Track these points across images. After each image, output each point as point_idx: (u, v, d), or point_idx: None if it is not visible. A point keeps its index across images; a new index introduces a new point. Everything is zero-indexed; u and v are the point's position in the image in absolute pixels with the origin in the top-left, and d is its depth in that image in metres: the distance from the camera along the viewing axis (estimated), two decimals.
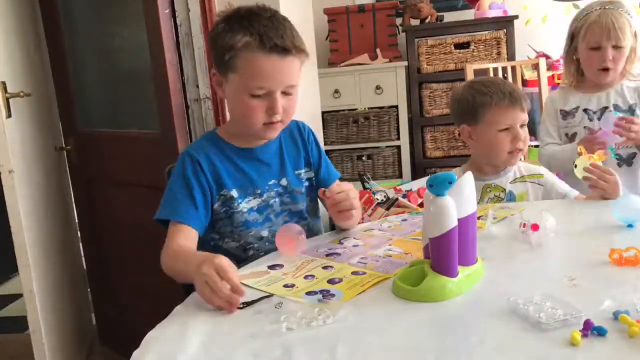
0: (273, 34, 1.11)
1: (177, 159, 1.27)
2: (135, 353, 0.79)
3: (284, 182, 1.28)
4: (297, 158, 1.33)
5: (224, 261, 0.92)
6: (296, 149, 1.33)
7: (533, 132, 3.14)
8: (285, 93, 1.17)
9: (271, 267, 1.07)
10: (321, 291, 0.93)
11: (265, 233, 1.26)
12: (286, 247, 1.13)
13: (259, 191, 1.25)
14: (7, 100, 1.75)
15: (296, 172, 1.31)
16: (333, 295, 0.91)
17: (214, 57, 1.21)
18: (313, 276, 1.00)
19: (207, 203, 1.21)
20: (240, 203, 1.23)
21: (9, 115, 1.76)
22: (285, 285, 0.97)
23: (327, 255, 1.11)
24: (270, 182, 1.27)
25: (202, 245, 1.23)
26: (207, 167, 1.21)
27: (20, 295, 2.32)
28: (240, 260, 1.20)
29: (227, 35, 1.13)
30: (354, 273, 1.00)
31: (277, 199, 1.28)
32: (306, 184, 1.33)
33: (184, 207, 1.18)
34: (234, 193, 1.22)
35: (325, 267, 1.04)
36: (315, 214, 1.37)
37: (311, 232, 1.31)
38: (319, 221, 1.38)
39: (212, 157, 1.23)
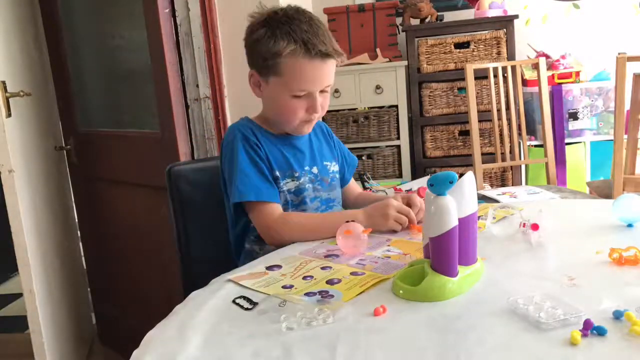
0: (316, 41, 1.21)
1: (229, 133, 1.33)
2: (135, 353, 0.79)
3: (315, 170, 1.38)
4: (324, 150, 1.44)
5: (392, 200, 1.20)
6: (322, 142, 1.45)
7: (533, 132, 3.14)
8: (322, 91, 1.29)
9: (269, 268, 1.07)
10: (320, 292, 0.93)
11: None
12: (350, 247, 1.11)
13: (297, 174, 1.34)
14: (7, 99, 1.76)
15: (324, 162, 1.42)
16: (332, 296, 0.91)
17: (253, 60, 1.28)
18: (312, 277, 1.00)
19: (272, 178, 1.30)
20: (280, 183, 1.32)
21: (9, 115, 1.76)
22: (284, 286, 0.97)
23: (326, 256, 1.11)
24: (306, 168, 1.36)
25: (243, 226, 1.35)
26: (260, 146, 1.30)
27: (20, 295, 2.32)
28: None
29: (271, 42, 1.21)
30: (352, 274, 1.00)
31: (310, 185, 1.37)
32: (332, 175, 1.43)
33: (264, 186, 1.27)
34: (276, 173, 1.31)
35: (323, 268, 1.04)
36: (340, 206, 1.47)
37: None
38: None
39: (260, 138, 1.31)
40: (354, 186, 1.59)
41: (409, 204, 1.25)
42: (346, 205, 1.50)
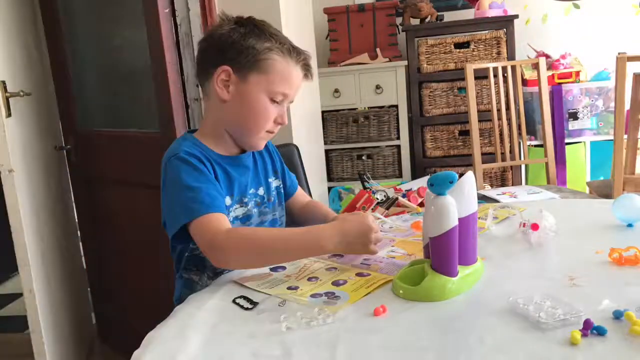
0: (302, 52, 1.18)
1: (166, 166, 1.14)
2: (136, 353, 0.79)
3: (260, 191, 1.26)
4: (268, 166, 1.31)
5: (370, 219, 1.04)
6: (264, 157, 1.31)
7: (533, 132, 3.14)
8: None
9: (273, 269, 1.06)
10: (326, 293, 0.93)
11: None
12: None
13: (245, 199, 1.21)
14: (7, 99, 1.75)
15: (269, 179, 1.30)
16: (338, 297, 0.91)
17: (227, 55, 1.14)
18: (317, 278, 1.00)
19: (220, 189, 1.12)
20: (230, 210, 1.17)
21: (9, 115, 1.76)
22: (289, 288, 0.97)
23: (330, 257, 1.11)
24: (251, 191, 1.23)
25: (179, 254, 1.20)
26: (208, 167, 1.13)
27: (20, 295, 2.32)
28: (218, 269, 1.16)
29: (260, 37, 1.14)
30: (358, 275, 1.00)
31: (256, 210, 1.23)
32: (274, 192, 1.30)
33: (210, 197, 1.07)
34: (227, 201, 1.16)
35: (328, 269, 1.04)
36: (283, 222, 1.35)
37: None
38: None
39: (206, 160, 1.13)
40: (301, 195, 1.41)
41: None
42: (291, 216, 1.36)
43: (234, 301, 0.93)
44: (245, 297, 0.94)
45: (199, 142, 1.18)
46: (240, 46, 1.13)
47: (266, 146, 1.31)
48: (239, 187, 1.19)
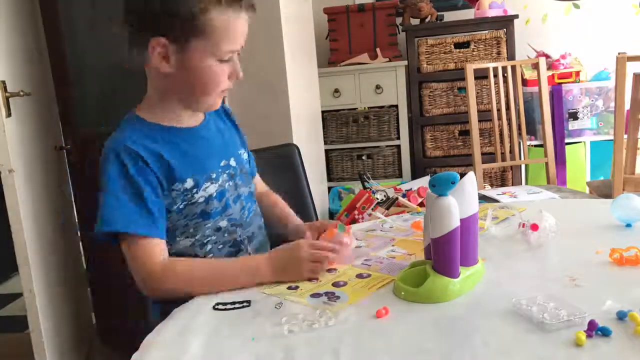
0: None
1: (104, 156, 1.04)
2: (135, 356, 0.79)
3: (232, 162, 1.16)
4: (234, 136, 1.23)
5: (302, 250, 1.00)
6: (229, 126, 1.24)
7: (533, 132, 3.14)
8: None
9: None
10: (326, 293, 0.93)
11: (224, 223, 1.13)
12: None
13: (214, 175, 1.11)
14: (7, 99, 1.75)
15: (238, 151, 1.21)
16: (338, 297, 0.91)
17: (162, 25, 1.02)
18: (317, 278, 1.00)
19: (161, 206, 1.05)
20: (197, 192, 1.08)
21: (9, 115, 1.76)
22: (290, 287, 0.97)
23: None
24: (222, 164, 1.14)
25: None
26: (152, 161, 1.03)
27: (20, 295, 2.32)
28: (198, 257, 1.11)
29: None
30: (358, 275, 0.99)
31: (230, 182, 1.15)
32: (247, 165, 1.23)
33: (141, 216, 1.00)
34: (189, 183, 1.07)
35: (328, 270, 1.03)
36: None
37: (259, 217, 1.23)
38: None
39: (154, 146, 1.05)
40: (259, 181, 1.33)
41: (322, 234, 1.10)
42: None
43: (214, 308, 0.91)
44: (223, 303, 0.92)
45: (144, 122, 1.09)
46: (170, 14, 1.01)
47: (230, 119, 1.25)
48: (198, 162, 1.09)
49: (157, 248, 1.02)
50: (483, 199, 2.11)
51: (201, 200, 1.08)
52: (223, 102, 1.19)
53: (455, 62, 3.14)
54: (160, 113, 1.10)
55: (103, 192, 1.02)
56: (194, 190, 1.08)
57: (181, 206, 1.07)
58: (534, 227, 1.08)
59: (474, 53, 3.13)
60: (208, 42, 1.02)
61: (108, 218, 1.00)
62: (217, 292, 0.97)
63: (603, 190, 2.40)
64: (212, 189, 1.10)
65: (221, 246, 1.13)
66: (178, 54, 1.03)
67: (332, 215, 2.94)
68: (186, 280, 1.00)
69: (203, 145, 1.12)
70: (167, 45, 1.02)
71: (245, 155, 1.23)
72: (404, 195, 2.69)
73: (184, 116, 1.12)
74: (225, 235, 1.13)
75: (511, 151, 2.66)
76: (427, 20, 3.32)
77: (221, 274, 1.01)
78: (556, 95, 3.05)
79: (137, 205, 1.01)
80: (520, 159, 2.83)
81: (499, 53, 3.10)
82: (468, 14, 3.35)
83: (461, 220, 0.88)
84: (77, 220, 2.41)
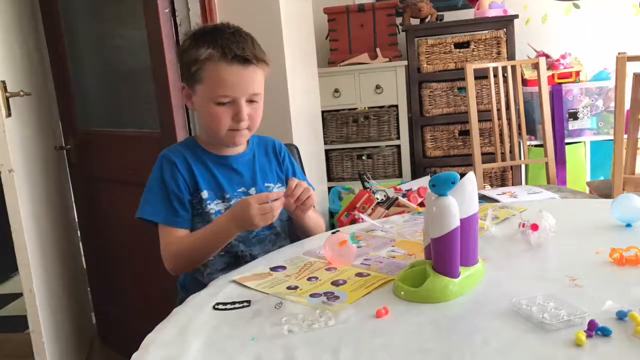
0: (234, 46, 1.19)
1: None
2: (135, 356, 0.79)
3: (252, 191, 1.32)
4: (268, 171, 1.37)
5: (252, 197, 1.14)
6: (268, 163, 1.38)
7: (533, 132, 3.14)
8: (250, 101, 1.24)
9: (273, 269, 1.06)
10: (325, 293, 0.93)
11: None
12: (337, 257, 1.06)
13: (227, 195, 1.29)
14: (7, 99, 1.75)
15: (266, 184, 1.35)
16: (337, 297, 0.91)
17: (182, 72, 1.28)
18: (317, 278, 1.00)
19: (185, 203, 1.27)
20: (209, 204, 1.28)
21: (9, 115, 1.76)
22: (289, 287, 0.97)
23: None
24: (240, 190, 1.31)
25: None
26: (183, 169, 1.27)
27: (20, 295, 2.32)
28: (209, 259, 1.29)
29: (192, 50, 1.21)
30: (357, 275, 1.00)
31: None
32: None
33: (167, 210, 1.25)
34: (204, 194, 1.28)
35: (328, 269, 1.04)
36: (284, 232, 1.37)
37: (273, 245, 1.33)
38: (286, 242, 1.36)
39: (189, 159, 1.29)
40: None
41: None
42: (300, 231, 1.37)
43: (214, 307, 0.92)
44: (222, 303, 0.93)
45: (196, 143, 1.33)
46: (183, 63, 1.25)
47: (276, 155, 1.40)
48: (216, 182, 1.29)
49: (175, 234, 1.25)
50: (483, 199, 2.11)
51: (212, 211, 1.28)
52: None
53: (455, 62, 3.14)
54: (205, 141, 1.33)
55: (146, 187, 1.28)
56: (207, 202, 1.28)
57: (199, 212, 1.28)
58: (534, 227, 1.08)
59: (474, 53, 3.13)
60: (206, 87, 1.22)
61: (142, 207, 1.27)
62: (208, 255, 1.23)
63: (603, 190, 2.40)
64: (221, 206, 1.29)
65: (222, 253, 1.29)
66: (193, 97, 1.27)
67: (332, 215, 2.94)
68: (183, 256, 1.23)
69: (226, 172, 1.31)
70: (186, 88, 1.27)
71: (276, 189, 1.36)
72: (404, 195, 2.69)
73: (221, 146, 1.31)
74: (227, 245, 1.25)
75: (511, 151, 2.66)
76: (427, 20, 3.32)
77: (202, 242, 1.21)
78: (556, 95, 3.05)
79: (164, 201, 1.25)
80: (520, 159, 2.83)
81: (499, 53, 3.10)
82: (468, 14, 3.35)
83: (461, 220, 0.88)
84: (77, 220, 2.41)
